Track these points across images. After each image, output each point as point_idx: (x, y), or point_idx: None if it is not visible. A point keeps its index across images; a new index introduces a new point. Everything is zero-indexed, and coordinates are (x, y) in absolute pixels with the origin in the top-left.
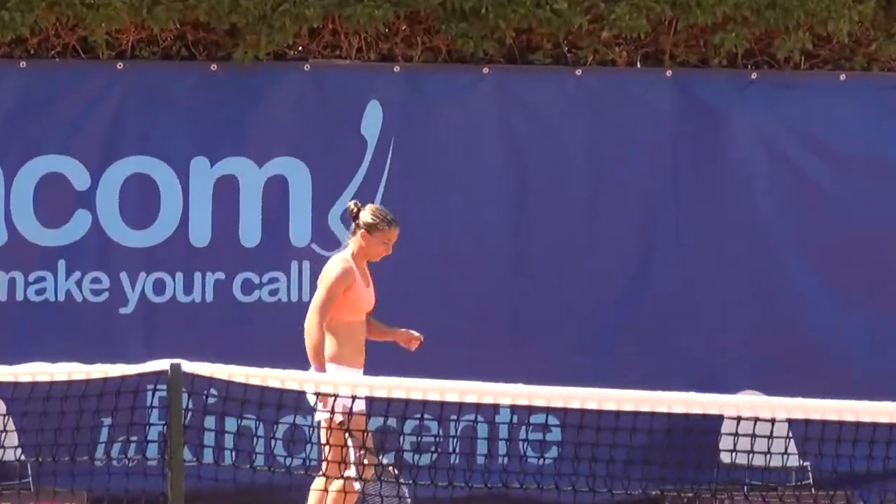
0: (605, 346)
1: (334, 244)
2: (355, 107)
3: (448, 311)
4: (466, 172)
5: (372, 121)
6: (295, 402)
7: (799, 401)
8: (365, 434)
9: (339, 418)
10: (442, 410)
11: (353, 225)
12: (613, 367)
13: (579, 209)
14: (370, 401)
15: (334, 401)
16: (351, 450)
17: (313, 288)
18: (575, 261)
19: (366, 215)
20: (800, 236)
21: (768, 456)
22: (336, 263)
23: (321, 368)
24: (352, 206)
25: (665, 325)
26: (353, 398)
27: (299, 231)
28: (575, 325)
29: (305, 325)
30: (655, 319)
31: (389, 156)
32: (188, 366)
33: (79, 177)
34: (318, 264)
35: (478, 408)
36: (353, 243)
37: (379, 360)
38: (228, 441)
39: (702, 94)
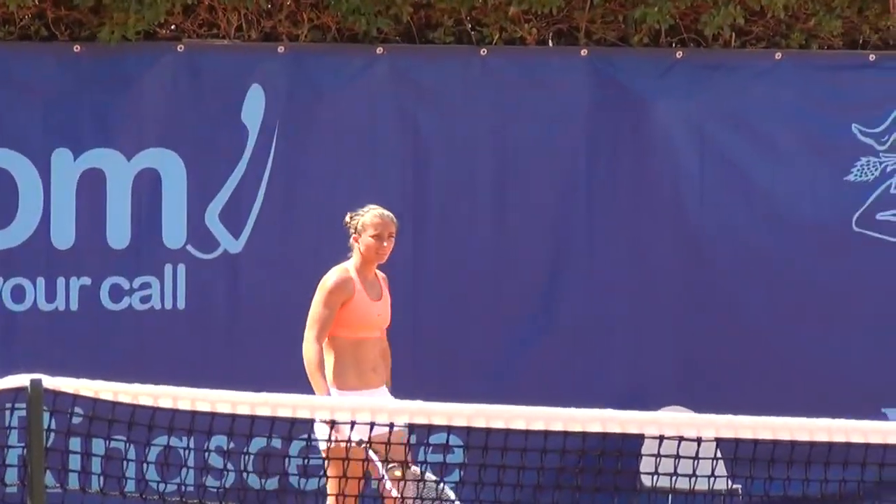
0: (512, 360)
1: (212, 245)
2: (235, 92)
3: None
4: (360, 164)
5: (254, 107)
6: (168, 421)
7: (727, 418)
8: (388, 449)
9: (322, 445)
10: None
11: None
12: (521, 385)
13: (484, 206)
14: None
15: (332, 428)
16: (378, 465)
17: (189, 294)
18: (478, 261)
19: (351, 219)
20: (733, 236)
21: (693, 479)
22: (332, 273)
23: (324, 391)
24: (346, 219)
25: (580, 335)
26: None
27: (173, 231)
28: (478, 336)
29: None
30: (569, 329)
31: (273, 146)
32: (50, 381)
33: None
34: (194, 268)
35: (372, 426)
36: (353, 255)
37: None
38: (95, 465)
39: (621, 77)
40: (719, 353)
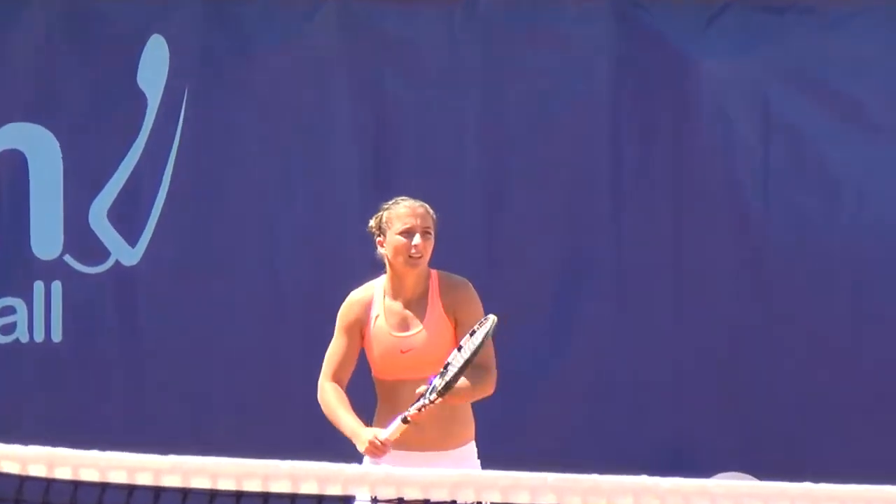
0: (514, 408)
1: (99, 255)
2: (128, 47)
3: (284, 326)
4: (302, 146)
5: (154, 67)
6: (41, 495)
7: (805, 487)
8: None
9: None
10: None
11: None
12: (527, 442)
13: (471, 203)
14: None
15: None
16: None
17: (67, 320)
18: (465, 275)
19: (375, 220)
20: (809, 239)
21: None
22: (351, 293)
23: (354, 427)
24: (370, 224)
25: (603, 375)
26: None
27: (45, 236)
28: None
29: None
30: (588, 366)
31: (181, 120)
32: None
33: None
34: (73, 285)
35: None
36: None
37: None
38: None
39: (656, 26)
40: (792, 401)
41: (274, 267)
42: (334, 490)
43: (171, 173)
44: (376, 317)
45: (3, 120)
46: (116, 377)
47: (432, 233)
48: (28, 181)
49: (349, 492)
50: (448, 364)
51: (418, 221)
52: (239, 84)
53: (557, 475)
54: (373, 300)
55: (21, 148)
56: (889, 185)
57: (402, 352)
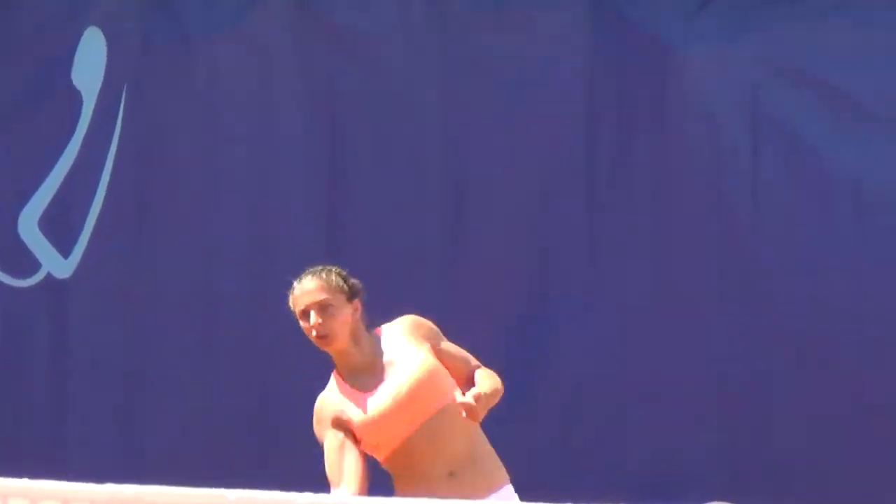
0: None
1: (28, 267)
2: (61, 38)
3: (225, 342)
4: (247, 143)
5: (90, 62)
6: None
7: None
8: None
9: None
10: None
11: None
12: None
13: (432, 207)
14: None
15: None
16: None
17: None
18: (427, 288)
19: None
20: (802, 244)
21: None
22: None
23: None
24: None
25: (579, 398)
26: None
27: None
28: None
29: None
30: (563, 389)
31: (120, 120)
32: None
33: None
34: (2, 299)
35: None
36: None
37: None
38: None
39: (635, 14)
40: (786, 425)
41: (216, 279)
42: None
43: (108, 178)
44: (345, 408)
45: None
46: (45, 397)
47: (336, 304)
48: None
49: None
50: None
51: (309, 299)
52: (181, 77)
53: None
54: (329, 397)
55: None
56: (889, 184)
57: (390, 403)
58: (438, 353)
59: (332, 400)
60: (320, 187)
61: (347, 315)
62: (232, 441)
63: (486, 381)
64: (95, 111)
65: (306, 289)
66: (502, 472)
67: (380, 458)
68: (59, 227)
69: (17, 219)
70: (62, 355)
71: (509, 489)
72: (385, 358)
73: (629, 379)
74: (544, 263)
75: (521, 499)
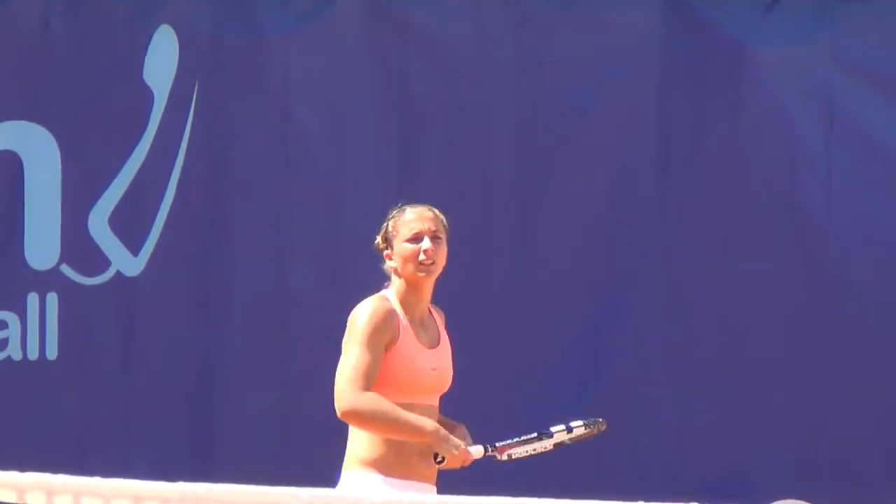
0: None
1: (98, 265)
2: (133, 38)
3: (295, 341)
4: (320, 143)
5: (161, 60)
6: None
7: None
8: None
9: None
10: None
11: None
12: (561, 469)
13: (503, 201)
14: None
15: None
16: None
17: (64, 336)
18: (496, 282)
19: (380, 231)
20: (878, 244)
21: None
22: (366, 303)
23: (426, 424)
24: (377, 240)
25: (647, 393)
26: None
27: (41, 244)
28: (500, 396)
29: (337, 407)
30: (631, 384)
31: (191, 118)
32: None
33: None
34: (71, 298)
35: None
36: (392, 281)
37: None
38: None
39: (708, 12)
40: (856, 422)
41: (287, 276)
42: None
43: (178, 176)
44: (403, 328)
45: None
46: (115, 395)
47: (443, 238)
48: (23, 185)
49: None
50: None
51: (426, 226)
52: (253, 76)
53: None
54: (395, 311)
55: (16, 149)
56: None
57: (433, 369)
58: None
59: (395, 318)
60: (391, 185)
61: (445, 255)
62: (304, 438)
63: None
64: (166, 109)
65: (424, 215)
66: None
67: (388, 395)
68: (129, 224)
69: (87, 217)
70: (132, 353)
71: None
72: (433, 322)
73: (697, 379)
74: (615, 263)
75: (589, 497)
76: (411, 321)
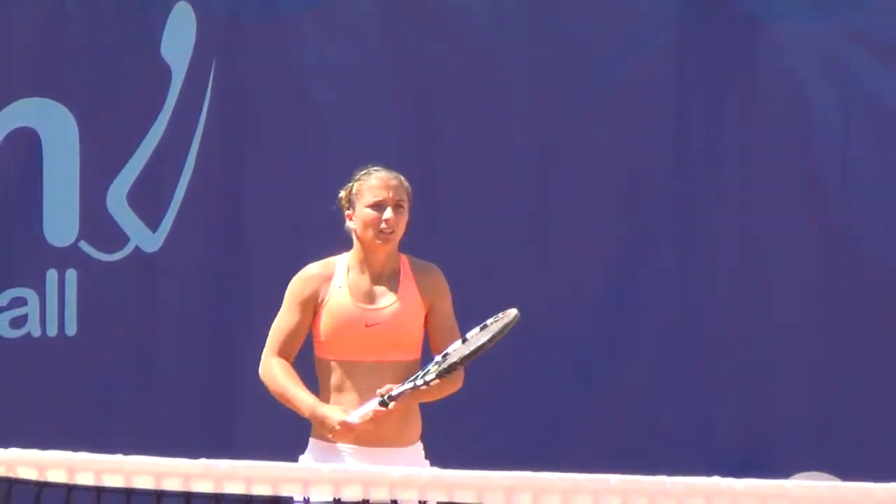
0: (567, 407)
1: (117, 241)
2: (151, 15)
3: None
4: (336, 120)
5: (179, 37)
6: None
7: (894, 487)
8: None
9: None
10: None
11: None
12: (583, 441)
13: (520, 182)
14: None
15: None
16: None
17: (83, 313)
18: (513, 261)
19: (345, 191)
20: (890, 215)
21: None
22: (306, 267)
23: (309, 403)
24: (340, 195)
25: (669, 368)
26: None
27: (59, 221)
28: (518, 370)
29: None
30: (652, 360)
31: (208, 94)
32: None
33: None
34: (89, 274)
35: None
36: (355, 244)
37: None
38: None
39: None
40: (879, 392)
41: (304, 252)
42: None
43: (196, 152)
44: (339, 288)
45: (13, 95)
46: (133, 371)
47: (405, 207)
48: (41, 161)
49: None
50: (447, 353)
51: (390, 194)
52: (270, 53)
53: (621, 477)
54: (334, 274)
55: (34, 126)
56: None
57: (366, 325)
58: (433, 312)
59: (325, 281)
60: (409, 161)
61: (406, 223)
62: None
63: (437, 388)
64: (184, 85)
65: (390, 184)
66: (417, 430)
67: (321, 355)
68: (148, 201)
69: (105, 193)
70: (150, 329)
71: (420, 447)
72: (399, 277)
73: (719, 352)
74: (635, 236)
75: (608, 471)
76: (357, 280)
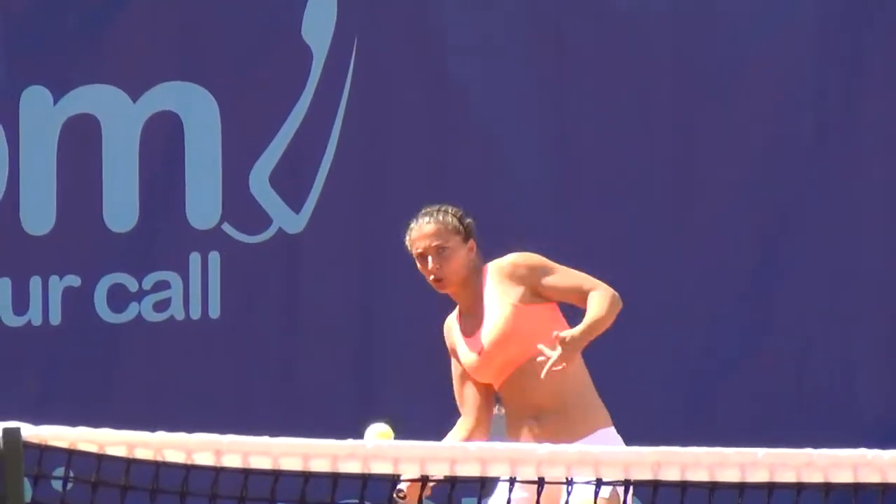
0: (708, 384)
1: (260, 223)
2: None
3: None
4: (479, 95)
5: (320, 18)
6: (209, 486)
7: None
8: None
9: None
10: None
11: None
12: (722, 417)
13: (663, 157)
14: None
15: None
16: None
17: (225, 296)
18: (656, 242)
19: None
20: None
21: None
22: None
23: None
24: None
25: (808, 344)
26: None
27: (202, 204)
28: (662, 348)
29: None
30: (791, 336)
31: (350, 75)
32: (32, 431)
33: None
34: (233, 257)
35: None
36: None
37: None
38: None
39: None
40: None
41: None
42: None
43: (338, 132)
44: (456, 332)
45: (156, 79)
46: (277, 352)
47: (450, 246)
48: (183, 145)
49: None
50: None
51: (427, 243)
52: (411, 32)
53: (768, 450)
54: (454, 319)
55: (176, 109)
56: None
57: (478, 353)
58: (542, 291)
59: (450, 330)
60: (550, 136)
61: (462, 257)
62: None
63: (592, 309)
64: (325, 66)
65: (424, 232)
66: (595, 420)
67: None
68: (291, 182)
69: (248, 175)
70: (294, 310)
71: (602, 434)
72: (484, 303)
73: (860, 322)
74: (776, 210)
75: (756, 445)
76: (463, 317)
